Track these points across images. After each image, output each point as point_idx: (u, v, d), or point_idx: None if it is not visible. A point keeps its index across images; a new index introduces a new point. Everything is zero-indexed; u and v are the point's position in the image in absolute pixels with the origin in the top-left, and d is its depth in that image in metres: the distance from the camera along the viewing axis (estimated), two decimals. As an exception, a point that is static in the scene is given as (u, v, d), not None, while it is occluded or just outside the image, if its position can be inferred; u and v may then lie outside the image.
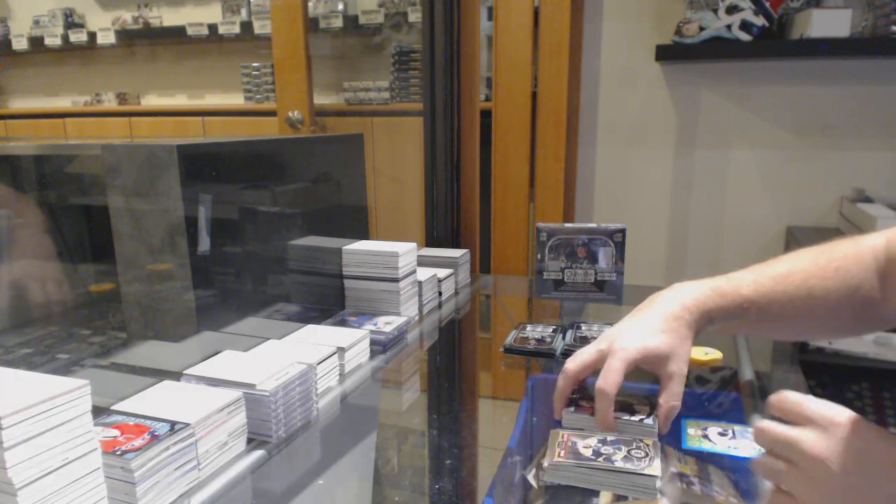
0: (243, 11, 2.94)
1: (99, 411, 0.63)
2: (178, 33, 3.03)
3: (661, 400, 0.74)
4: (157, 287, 0.84)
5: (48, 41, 3.22)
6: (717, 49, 1.78)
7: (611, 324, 0.96)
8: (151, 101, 3.35)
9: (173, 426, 0.63)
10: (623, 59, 2.01)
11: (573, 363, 0.77)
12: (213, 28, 2.94)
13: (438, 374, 1.10)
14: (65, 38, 3.20)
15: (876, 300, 0.70)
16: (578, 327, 1.08)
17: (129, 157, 0.81)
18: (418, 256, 1.22)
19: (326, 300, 1.13)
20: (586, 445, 0.70)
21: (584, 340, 0.99)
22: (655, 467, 0.66)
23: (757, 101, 1.91)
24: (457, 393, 1.04)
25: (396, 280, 1.11)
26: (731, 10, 1.74)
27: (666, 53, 1.84)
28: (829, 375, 1.62)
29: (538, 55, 1.91)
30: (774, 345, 1.10)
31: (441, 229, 1.58)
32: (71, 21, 3.24)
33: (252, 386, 0.73)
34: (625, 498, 0.65)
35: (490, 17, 2.13)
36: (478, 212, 1.65)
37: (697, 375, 0.98)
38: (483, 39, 2.27)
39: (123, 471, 0.58)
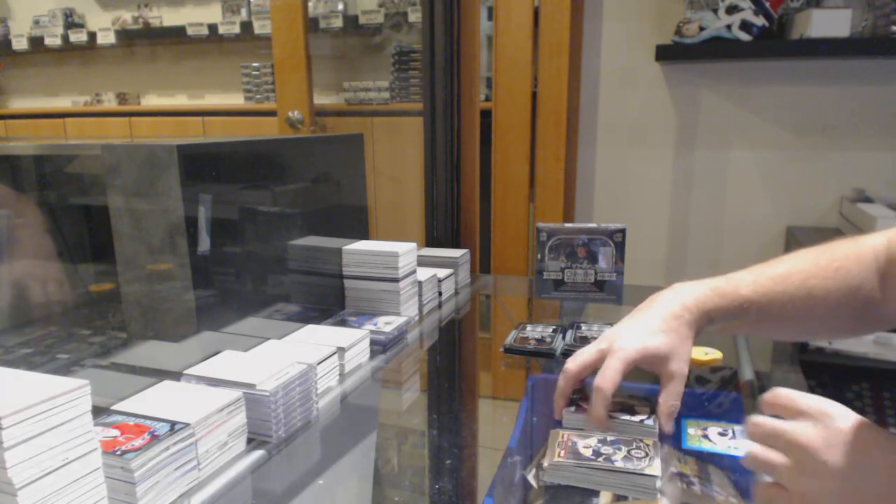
0: (243, 11, 2.94)
1: (99, 411, 0.63)
2: (178, 33, 3.03)
3: (662, 399, 0.74)
4: (157, 287, 0.84)
5: (48, 41, 3.22)
6: (717, 49, 1.78)
7: (611, 324, 0.96)
8: (151, 101, 3.35)
9: (173, 426, 0.63)
10: (623, 59, 2.01)
11: (573, 363, 0.77)
12: (213, 28, 2.94)
13: (438, 374, 1.10)
14: (65, 38, 3.20)
15: (876, 300, 0.70)
16: (578, 327, 1.08)
17: (129, 157, 0.81)
18: (418, 256, 1.22)
19: (326, 300, 1.13)
20: (586, 445, 0.70)
21: (584, 340, 0.99)
22: (655, 467, 0.66)
23: (757, 101, 1.91)
24: (457, 393, 1.04)
25: (396, 280, 1.11)
26: (731, 10, 1.74)
27: (666, 53, 1.84)
28: (829, 375, 1.62)
29: (538, 55, 1.91)
30: (774, 345, 1.10)
31: (441, 229, 1.58)
32: (71, 21, 3.24)
33: (252, 386, 0.73)
34: (625, 498, 0.65)
35: (490, 17, 2.13)
36: (478, 212, 1.65)
37: (697, 375, 0.98)
38: (483, 39, 2.27)
39: (123, 471, 0.58)
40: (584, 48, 2.03)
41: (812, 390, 0.58)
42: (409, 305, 1.16)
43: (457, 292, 1.39)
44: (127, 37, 3.16)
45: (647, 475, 0.65)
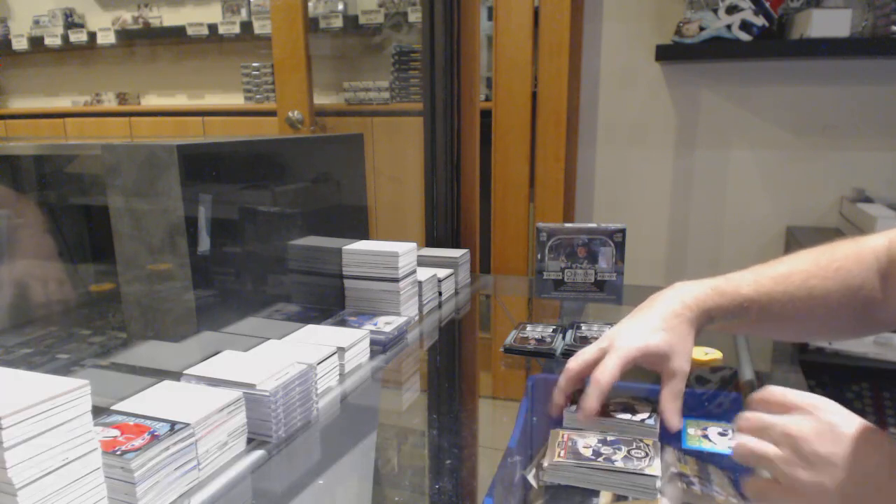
0: (243, 11, 2.94)
1: (99, 411, 0.63)
2: (178, 33, 3.03)
3: (663, 397, 0.74)
4: (157, 287, 0.84)
5: (48, 41, 3.22)
6: (717, 49, 1.78)
7: (611, 324, 0.96)
8: (151, 101, 3.35)
9: (173, 426, 0.63)
10: (623, 59, 2.01)
11: (575, 362, 0.77)
12: (213, 28, 2.94)
13: (438, 374, 1.10)
14: (65, 38, 3.20)
15: (877, 301, 0.70)
16: (578, 327, 1.08)
17: (129, 157, 0.81)
18: (418, 256, 1.22)
19: (326, 300, 1.13)
20: (586, 445, 0.70)
21: (584, 340, 0.99)
22: (655, 467, 0.66)
23: (757, 101, 1.91)
24: (457, 393, 1.04)
25: (396, 280, 1.11)
26: (731, 10, 1.74)
27: (666, 53, 1.84)
28: (829, 375, 1.62)
29: (538, 55, 1.91)
30: (774, 345, 1.10)
31: (441, 229, 1.58)
32: (71, 21, 3.24)
33: (252, 386, 0.73)
34: (625, 498, 0.65)
35: (490, 17, 2.13)
36: (478, 212, 1.65)
37: (697, 375, 0.98)
38: (483, 39, 2.27)
39: (123, 471, 0.58)
40: (584, 48, 2.03)
41: (812, 390, 0.59)
42: (409, 305, 1.16)
43: (457, 292, 1.39)
44: (127, 37, 3.16)
45: (647, 475, 0.65)
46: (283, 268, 1.03)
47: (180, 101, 3.29)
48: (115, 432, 0.62)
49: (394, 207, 2.53)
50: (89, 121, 3.24)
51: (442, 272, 1.32)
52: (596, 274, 1.27)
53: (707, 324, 0.76)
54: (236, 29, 2.90)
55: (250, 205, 0.95)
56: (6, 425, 0.48)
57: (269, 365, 0.78)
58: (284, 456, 0.75)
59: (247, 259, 0.94)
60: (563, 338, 1.06)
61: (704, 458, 0.72)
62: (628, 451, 0.69)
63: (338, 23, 2.67)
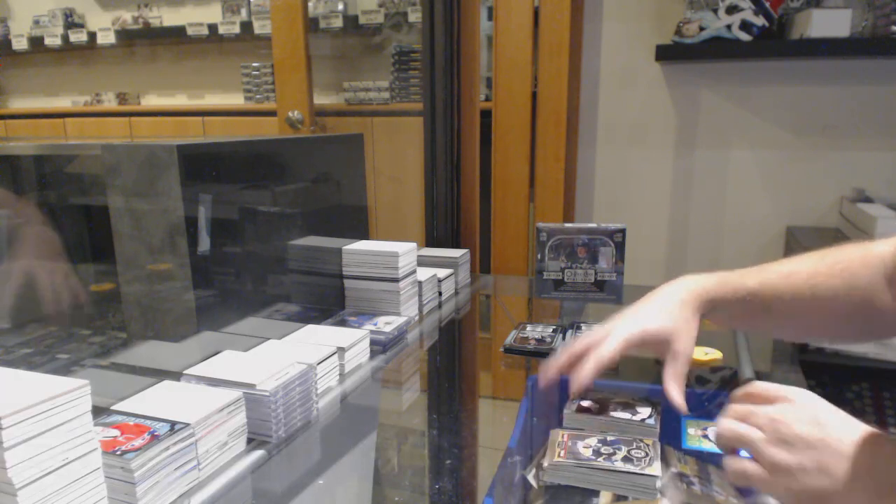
0: (243, 11, 2.94)
1: (99, 411, 0.63)
2: (178, 33, 3.03)
3: (666, 378, 0.73)
4: (157, 287, 0.84)
5: (48, 41, 3.22)
6: (717, 49, 1.78)
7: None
8: (151, 101, 3.35)
9: (173, 426, 0.63)
10: (623, 59, 2.01)
11: (580, 342, 0.77)
12: (213, 28, 2.94)
13: (438, 374, 1.10)
14: (65, 38, 3.20)
15: (884, 306, 0.69)
16: (578, 327, 1.08)
17: (129, 157, 0.81)
18: (418, 256, 1.22)
19: (326, 300, 1.13)
20: (586, 445, 0.70)
21: (584, 340, 0.99)
22: (655, 467, 0.66)
23: (757, 101, 1.91)
24: (457, 393, 1.04)
25: (396, 280, 1.11)
26: (731, 10, 1.74)
27: (666, 53, 1.84)
28: (829, 375, 1.62)
29: (538, 55, 1.91)
30: (774, 345, 1.10)
31: (441, 229, 1.58)
32: (71, 21, 3.24)
33: (252, 386, 0.73)
34: (625, 498, 0.65)
35: (490, 17, 2.13)
36: (478, 212, 1.65)
37: (697, 375, 0.98)
38: (483, 39, 2.27)
39: (123, 471, 0.58)
40: (584, 48, 2.03)
41: (812, 390, 0.59)
42: (409, 305, 1.16)
43: (457, 292, 1.39)
44: (127, 37, 3.16)
45: (647, 475, 0.65)
46: (283, 268, 1.03)
47: (180, 101, 3.29)
48: (115, 432, 0.62)
49: (394, 207, 2.53)
50: (89, 121, 3.24)
51: (442, 272, 1.32)
52: (596, 274, 1.27)
53: (711, 312, 0.76)
54: (236, 29, 2.90)
55: (250, 205, 0.95)
56: (6, 425, 0.48)
57: (269, 365, 0.78)
58: (284, 456, 0.75)
59: (247, 259, 0.94)
60: (563, 338, 1.06)
61: (704, 458, 0.72)
62: (628, 451, 0.69)
63: (338, 23, 2.67)
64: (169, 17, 3.13)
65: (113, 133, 3.12)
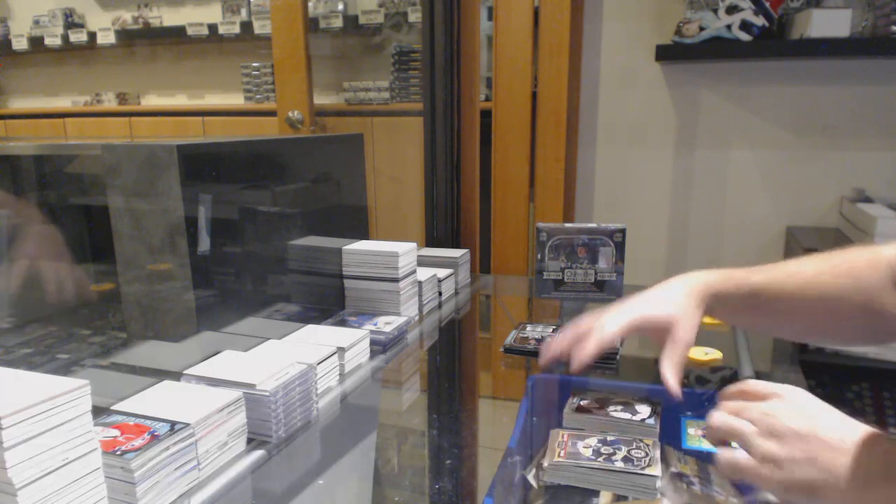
0: (243, 11, 2.94)
1: (99, 411, 0.63)
2: (178, 33, 3.03)
3: (663, 363, 0.73)
4: (157, 287, 0.84)
5: (48, 41, 3.22)
6: (717, 49, 1.78)
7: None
8: (151, 101, 3.35)
9: (173, 426, 0.63)
10: (623, 59, 2.01)
11: (582, 322, 0.78)
12: (213, 28, 2.94)
13: (438, 374, 1.10)
14: (65, 38, 3.20)
15: (889, 309, 0.69)
16: (578, 327, 1.08)
17: (129, 157, 0.81)
18: (418, 256, 1.22)
19: (326, 300, 1.13)
20: (586, 445, 0.70)
21: (584, 340, 0.99)
22: (655, 467, 0.66)
23: (757, 101, 1.91)
24: (457, 393, 1.04)
25: (396, 280, 1.11)
26: (731, 10, 1.74)
27: (666, 53, 1.84)
28: (829, 375, 1.62)
29: (538, 55, 1.91)
30: (774, 345, 1.10)
31: (441, 229, 1.58)
32: (71, 21, 3.24)
33: (252, 386, 0.73)
34: (625, 498, 0.65)
35: (490, 17, 2.13)
36: (478, 212, 1.65)
37: (697, 375, 0.98)
38: (483, 39, 2.27)
39: (123, 471, 0.58)
40: (584, 48, 2.03)
41: (812, 390, 0.59)
42: (409, 305, 1.16)
43: (457, 292, 1.39)
44: (127, 37, 3.16)
45: (647, 475, 0.65)
46: (283, 268, 1.03)
47: (180, 101, 3.29)
48: (115, 432, 0.62)
49: (394, 207, 2.53)
50: (89, 121, 3.24)
51: (442, 272, 1.32)
52: (596, 274, 1.27)
53: (714, 306, 0.76)
54: (236, 29, 2.90)
55: (250, 205, 0.95)
56: (6, 425, 0.48)
57: (269, 365, 0.78)
58: (284, 456, 0.75)
59: (247, 259, 0.94)
60: (563, 338, 1.05)
61: (704, 458, 0.72)
62: (628, 451, 0.69)
63: (338, 23, 2.67)
64: (169, 17, 3.13)
65: (113, 133, 3.12)
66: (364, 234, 1.25)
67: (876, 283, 0.69)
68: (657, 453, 0.68)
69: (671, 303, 0.75)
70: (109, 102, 3.32)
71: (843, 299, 0.70)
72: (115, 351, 0.93)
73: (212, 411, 0.67)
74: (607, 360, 0.97)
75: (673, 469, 0.68)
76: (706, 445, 0.74)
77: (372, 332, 1.02)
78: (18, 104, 3.59)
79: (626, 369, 1.00)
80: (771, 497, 0.60)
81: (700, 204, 2.03)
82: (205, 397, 0.70)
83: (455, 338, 1.25)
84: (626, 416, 0.76)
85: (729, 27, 1.75)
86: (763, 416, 0.56)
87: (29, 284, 1.03)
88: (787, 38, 1.79)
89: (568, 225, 1.28)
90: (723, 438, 0.59)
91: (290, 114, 2.27)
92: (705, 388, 0.95)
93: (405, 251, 1.13)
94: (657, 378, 0.76)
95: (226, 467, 0.69)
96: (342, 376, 0.93)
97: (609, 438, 0.72)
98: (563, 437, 0.73)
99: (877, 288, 0.69)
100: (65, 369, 0.90)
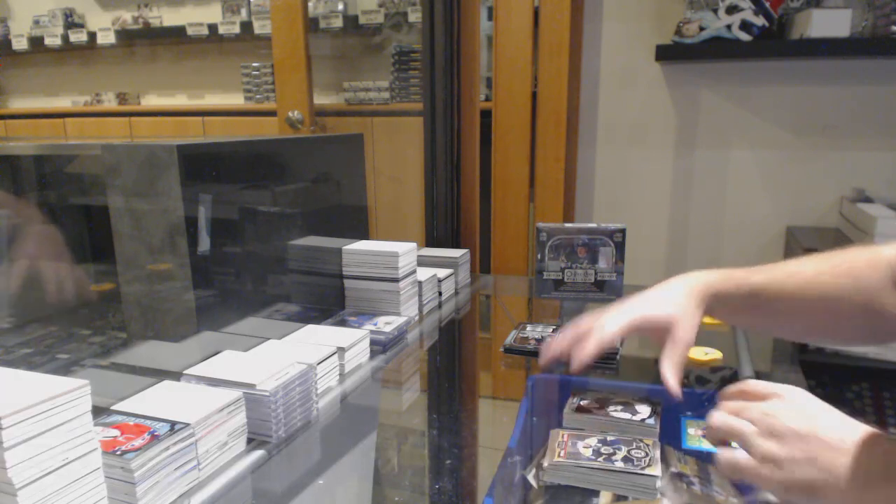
0: (243, 11, 2.94)
1: (99, 411, 0.63)
2: (178, 33, 3.03)
3: (663, 362, 0.73)
4: (157, 287, 0.84)
5: (48, 41, 3.22)
6: (717, 49, 1.78)
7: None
8: (151, 101, 3.35)
9: (173, 426, 0.63)
10: (623, 59, 2.01)
11: (582, 322, 0.78)
12: (213, 28, 2.94)
13: (438, 374, 1.10)
14: (65, 38, 3.20)
15: (889, 309, 0.69)
16: (578, 327, 1.08)
17: (129, 157, 0.81)
18: (418, 256, 1.22)
19: (326, 300, 1.13)
20: (586, 445, 0.70)
21: (584, 340, 0.99)
22: (655, 467, 0.66)
23: (757, 101, 1.91)
24: (457, 393, 1.04)
25: (396, 280, 1.11)
26: (731, 10, 1.74)
27: (666, 53, 1.84)
28: (829, 375, 1.62)
29: (538, 55, 1.91)
30: (774, 345, 1.10)
31: (441, 229, 1.58)
32: (71, 21, 3.24)
33: (252, 386, 0.73)
34: (625, 498, 0.65)
35: (490, 17, 2.13)
36: (478, 212, 1.65)
37: (697, 375, 0.98)
38: (483, 39, 2.27)
39: (123, 471, 0.58)
40: (584, 48, 2.03)
41: (812, 390, 0.59)
42: (409, 305, 1.16)
43: (457, 292, 1.39)
44: (127, 37, 3.16)
45: (647, 475, 0.65)
46: (283, 268, 1.03)
47: (180, 101, 3.29)
48: (115, 432, 0.62)
49: (394, 207, 2.53)
50: (89, 121, 3.24)
51: (442, 272, 1.32)
52: (596, 274, 1.27)
53: (714, 306, 0.76)
54: (236, 29, 2.90)
55: (250, 205, 0.95)
56: (6, 425, 0.48)
57: (269, 365, 0.78)
58: (284, 456, 0.75)
59: (247, 259, 0.94)
60: (563, 338, 1.05)
61: (704, 458, 0.72)
62: (628, 451, 0.69)
63: (338, 23, 2.67)
64: (169, 17, 3.13)
65: (113, 133, 3.12)
66: (364, 234, 1.25)
67: (876, 283, 0.69)
68: (657, 453, 0.68)
69: (671, 303, 0.75)
70: (109, 102, 3.32)
71: (843, 299, 0.70)
72: (115, 351, 0.93)
73: (212, 411, 0.67)
74: (607, 360, 0.97)
75: (673, 469, 0.68)
76: (706, 445, 0.74)
77: (372, 332, 1.02)
78: (18, 104, 3.59)
79: (626, 369, 1.00)
80: (771, 497, 0.60)
81: (700, 204, 2.03)
82: (205, 397, 0.70)
83: (455, 338, 1.25)
84: (626, 416, 0.76)
85: (729, 27, 1.75)
86: (763, 416, 0.57)
87: (29, 284, 1.03)
88: (787, 38, 1.79)
89: (568, 225, 1.28)
90: (723, 438, 0.59)
91: (290, 114, 2.27)
92: (705, 388, 0.95)
93: (405, 251, 1.13)
94: (657, 378, 0.76)
95: (226, 467, 0.69)
96: (342, 376, 0.93)
97: (609, 438, 0.72)
98: (563, 437, 0.73)
99: (877, 288, 0.69)
100: (65, 369, 0.90)
